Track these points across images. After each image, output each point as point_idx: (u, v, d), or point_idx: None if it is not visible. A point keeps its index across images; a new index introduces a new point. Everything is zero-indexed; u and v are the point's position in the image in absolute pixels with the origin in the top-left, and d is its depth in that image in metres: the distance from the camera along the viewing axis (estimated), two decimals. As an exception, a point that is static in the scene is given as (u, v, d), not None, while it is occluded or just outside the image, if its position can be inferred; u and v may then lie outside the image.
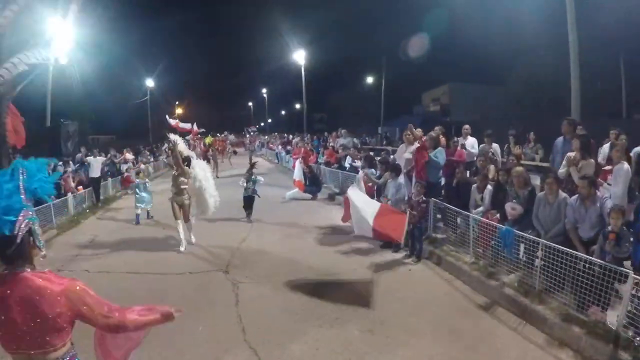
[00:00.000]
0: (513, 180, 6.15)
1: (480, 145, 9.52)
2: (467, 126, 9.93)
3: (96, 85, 34.74)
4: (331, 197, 12.41)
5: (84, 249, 8.46)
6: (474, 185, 6.97)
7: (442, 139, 8.69)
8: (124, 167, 19.29)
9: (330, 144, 17.60)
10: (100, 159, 14.20)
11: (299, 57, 28.34)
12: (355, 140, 22.15)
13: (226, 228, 9.43)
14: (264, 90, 62.73)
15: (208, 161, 20.68)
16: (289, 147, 22.81)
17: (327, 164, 15.08)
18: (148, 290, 6.06)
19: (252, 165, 10.12)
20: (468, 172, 8.21)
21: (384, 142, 26.10)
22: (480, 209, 6.71)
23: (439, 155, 7.54)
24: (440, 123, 15.21)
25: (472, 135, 9.73)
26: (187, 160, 8.06)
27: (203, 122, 31.63)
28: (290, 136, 32.78)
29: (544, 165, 10.53)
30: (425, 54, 37.70)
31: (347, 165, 13.21)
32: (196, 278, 6.51)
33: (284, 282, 6.05)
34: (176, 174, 7.87)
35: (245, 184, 9.74)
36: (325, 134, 23.15)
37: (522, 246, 5.38)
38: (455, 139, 10.14)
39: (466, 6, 24.69)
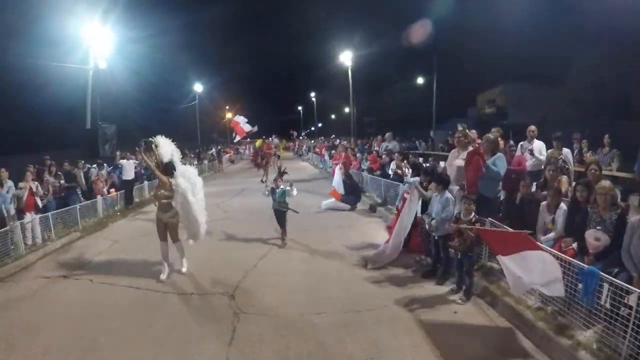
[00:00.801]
0: (597, 198, 4.63)
1: (548, 151, 7.92)
2: (533, 127, 8.34)
3: (145, 90, 35.65)
4: (372, 209, 11.13)
5: (98, 254, 8.17)
6: (543, 204, 5.47)
7: (501, 142, 7.21)
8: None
9: (375, 148, 16.30)
10: (133, 162, 13.83)
11: (346, 58, 27.27)
12: (403, 144, 20.71)
13: (247, 241, 8.47)
14: (313, 94, 62.07)
15: (258, 167, 20.07)
16: (333, 152, 21.69)
17: (370, 170, 13.81)
18: (141, 311, 5.34)
19: (282, 173, 8.24)
20: (534, 184, 6.69)
21: (434, 147, 24.43)
22: (551, 235, 5.22)
23: (499, 162, 6.07)
24: (496, 126, 13.60)
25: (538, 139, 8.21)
26: (170, 169, 6.48)
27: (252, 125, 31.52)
28: (337, 140, 31.75)
29: (623, 176, 8.78)
30: (478, 53, 35.54)
31: (390, 172, 11.90)
32: (197, 301, 5.63)
33: (294, 317, 4.92)
34: (159, 184, 6.60)
35: (269, 195, 8.11)
36: (371, 137, 21.80)
37: (605, 288, 3.93)
38: (511, 142, 8.56)
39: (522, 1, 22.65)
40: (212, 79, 47.17)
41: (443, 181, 5.87)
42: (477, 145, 6.67)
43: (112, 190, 13.74)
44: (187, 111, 41.63)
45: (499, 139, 7.05)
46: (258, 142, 21.45)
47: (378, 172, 12.88)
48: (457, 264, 5.37)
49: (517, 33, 30.12)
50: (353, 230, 9.15)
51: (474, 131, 7.21)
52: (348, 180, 11.63)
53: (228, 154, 37.13)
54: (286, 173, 8.40)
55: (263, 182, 18.58)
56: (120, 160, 13.88)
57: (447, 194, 5.74)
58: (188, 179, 6.59)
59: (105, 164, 14.64)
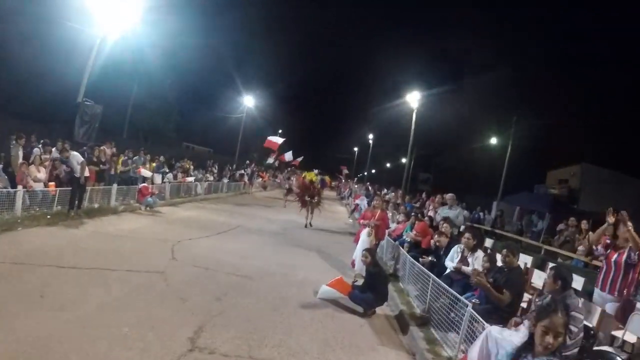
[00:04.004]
0: None
1: None
2: None
3: (193, 95, 33.44)
4: (401, 324, 6.17)
5: None
6: None
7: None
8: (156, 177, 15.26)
9: (428, 213, 11.41)
10: (77, 155, 9.72)
11: (412, 99, 22.77)
12: (466, 212, 15.67)
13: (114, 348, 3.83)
14: (371, 136, 57.37)
15: (303, 205, 15.13)
16: (373, 203, 16.81)
17: (414, 246, 8.86)
18: None
19: None
20: None
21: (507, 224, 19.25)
22: None
23: None
24: (568, 210, 10.05)
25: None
26: None
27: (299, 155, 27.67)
28: (384, 190, 26.78)
29: None
30: (558, 124, 31.00)
31: (449, 263, 6.93)
32: None
33: None
34: None
35: None
36: (423, 194, 16.69)
37: None
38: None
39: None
40: (267, 96, 44.38)
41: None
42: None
43: (52, 184, 9.92)
44: (232, 122, 38.67)
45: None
46: (311, 175, 16.12)
47: (428, 259, 7.74)
48: None
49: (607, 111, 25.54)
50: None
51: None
52: (369, 264, 6.65)
53: (262, 179, 33.50)
54: None
55: (306, 227, 14.35)
56: (70, 152, 9.74)
57: None
58: None
59: (55, 148, 10.77)
